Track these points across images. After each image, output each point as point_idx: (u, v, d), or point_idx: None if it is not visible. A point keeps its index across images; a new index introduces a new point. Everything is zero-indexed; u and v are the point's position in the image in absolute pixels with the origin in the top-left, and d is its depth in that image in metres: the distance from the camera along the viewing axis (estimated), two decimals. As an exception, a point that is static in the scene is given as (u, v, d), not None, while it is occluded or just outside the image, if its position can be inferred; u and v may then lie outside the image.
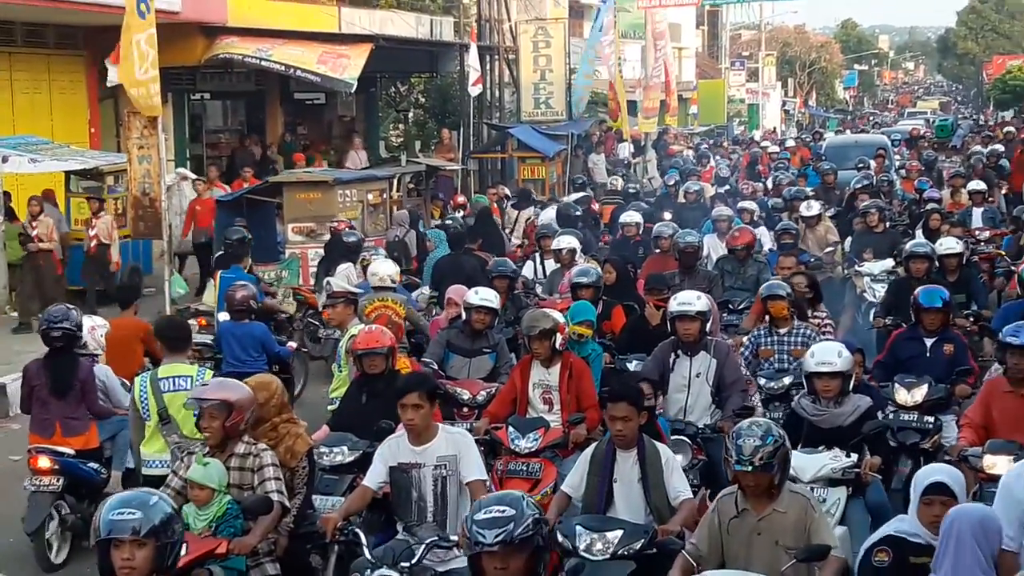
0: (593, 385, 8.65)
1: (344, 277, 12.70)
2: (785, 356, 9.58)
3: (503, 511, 4.42)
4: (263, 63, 21.35)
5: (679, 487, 6.63)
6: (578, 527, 6.36)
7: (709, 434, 8.43)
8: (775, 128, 60.72)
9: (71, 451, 8.88)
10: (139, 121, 15.03)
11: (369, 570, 6.12)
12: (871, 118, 68.84)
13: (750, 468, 5.67)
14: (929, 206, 16.79)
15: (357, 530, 6.48)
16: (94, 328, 9.86)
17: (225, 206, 17.28)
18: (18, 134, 18.13)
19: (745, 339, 10.06)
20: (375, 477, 6.71)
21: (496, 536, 4.35)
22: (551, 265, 13.51)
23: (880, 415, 8.00)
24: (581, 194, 21.46)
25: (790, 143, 37.53)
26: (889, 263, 13.92)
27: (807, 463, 7.23)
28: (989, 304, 12.38)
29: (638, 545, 6.24)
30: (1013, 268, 12.58)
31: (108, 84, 17.16)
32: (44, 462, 8.74)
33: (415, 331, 11.47)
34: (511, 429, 8.22)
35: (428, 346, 10.33)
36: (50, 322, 9.06)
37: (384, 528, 7.09)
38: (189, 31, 20.43)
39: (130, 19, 14.06)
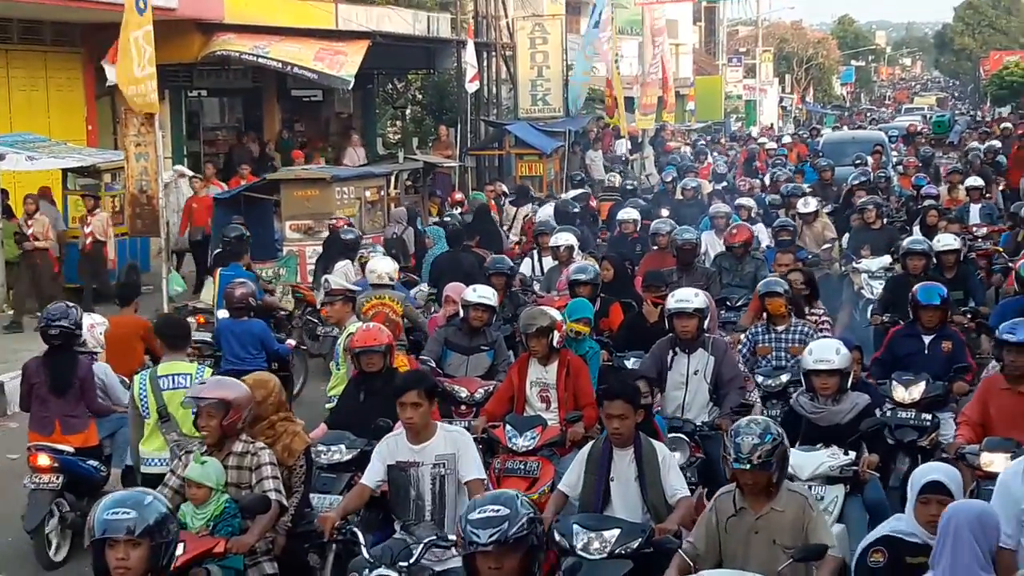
0: (591, 383, 8.64)
1: (342, 274, 12.69)
2: (783, 353, 9.58)
3: (497, 510, 4.41)
4: (260, 60, 21.32)
5: (676, 485, 6.62)
6: (575, 526, 6.36)
7: (707, 432, 8.43)
8: (772, 124, 60.70)
9: (70, 449, 8.89)
10: (136, 118, 14.99)
11: (367, 569, 6.11)
12: (868, 114, 68.93)
13: (748, 466, 5.67)
14: (926, 202, 16.80)
15: (355, 529, 6.47)
16: (93, 326, 9.86)
17: (223, 203, 17.27)
18: (15, 131, 18.10)
19: (743, 336, 10.06)
20: (373, 475, 6.70)
21: (490, 536, 4.34)
22: (549, 262, 13.50)
23: (878, 412, 8.00)
24: (580, 191, 21.45)
25: (786, 139, 37.57)
26: (887, 260, 13.93)
27: (805, 461, 7.23)
28: (987, 301, 12.37)
29: (635, 544, 6.23)
30: (1011, 264, 12.57)
31: (108, 85, 17.13)
32: (44, 460, 8.74)
33: (414, 328, 11.48)
34: (508, 427, 8.21)
35: (426, 344, 10.32)
36: (49, 320, 9.07)
37: (382, 526, 7.08)
38: (186, 28, 20.39)
39: (128, 16, 14.04)
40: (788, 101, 73.27)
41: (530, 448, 8.10)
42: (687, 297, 8.71)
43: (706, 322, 8.74)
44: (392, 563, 6.12)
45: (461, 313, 9.89)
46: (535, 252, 14.33)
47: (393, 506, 6.73)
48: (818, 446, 7.44)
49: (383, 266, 11.47)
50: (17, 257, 16.10)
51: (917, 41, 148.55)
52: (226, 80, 24.84)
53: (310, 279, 15.02)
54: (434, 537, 6.22)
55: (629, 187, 22.30)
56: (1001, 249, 14.85)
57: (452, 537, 6.18)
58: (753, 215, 16.29)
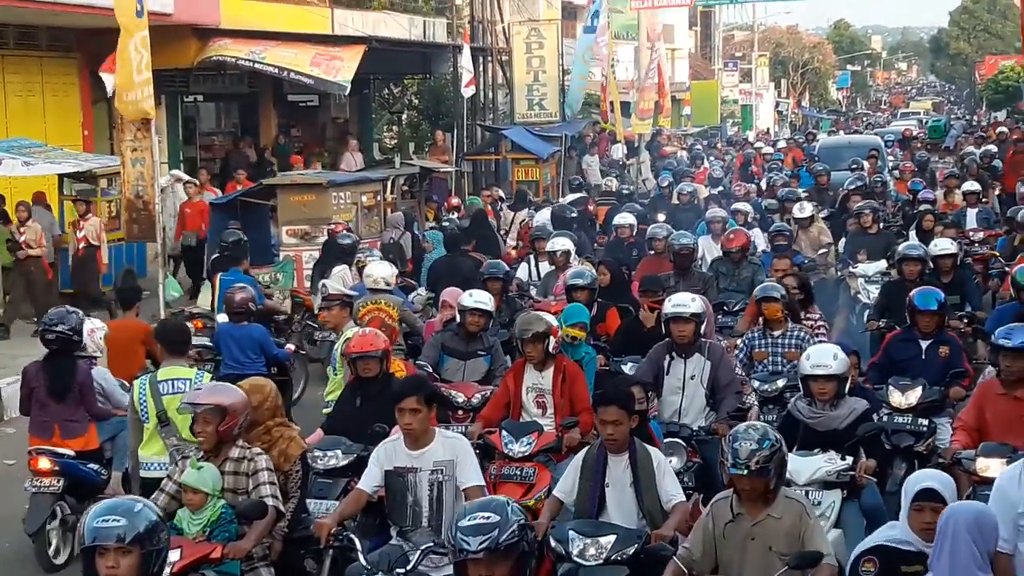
0: (587, 389, 8.62)
1: (339, 279, 12.68)
2: (779, 358, 9.57)
3: (488, 517, 4.38)
4: (256, 65, 21.33)
5: (671, 491, 6.61)
6: (571, 532, 6.35)
7: (704, 436, 8.42)
8: (768, 129, 60.76)
9: (71, 452, 8.92)
10: (132, 124, 14.98)
11: (364, 575, 6.11)
12: (864, 119, 68.96)
13: (746, 472, 5.66)
14: (922, 207, 16.80)
15: (352, 536, 6.46)
16: (93, 331, 9.86)
17: (219, 209, 17.27)
18: (11, 137, 18.09)
19: (739, 341, 10.06)
20: (370, 480, 6.69)
21: (481, 543, 4.31)
22: (545, 267, 13.50)
23: (875, 417, 8.00)
24: (577, 195, 21.44)
25: (781, 144, 37.60)
26: (883, 264, 13.92)
27: (802, 466, 7.23)
28: (983, 305, 12.37)
29: (631, 550, 6.23)
30: (1007, 269, 12.57)
31: (109, 95, 17.11)
32: (44, 463, 8.77)
33: (411, 333, 11.47)
34: (504, 433, 8.18)
35: (423, 349, 10.32)
36: (48, 325, 9.11)
37: (379, 532, 7.06)
38: (182, 33, 20.39)
39: (127, 20, 14.04)
40: (784, 106, 73.36)
41: (526, 454, 8.06)
42: (684, 302, 8.71)
43: (703, 327, 8.74)
44: (389, 569, 6.12)
45: (458, 318, 9.88)
46: (532, 257, 14.33)
47: (390, 512, 6.71)
48: (815, 451, 7.43)
49: (380, 271, 11.46)
50: (11, 263, 16.06)
51: (913, 46, 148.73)
52: (222, 85, 24.84)
53: (307, 284, 15.02)
54: (431, 544, 6.21)
55: (625, 191, 22.30)
56: (998, 253, 14.86)
57: (450, 544, 6.18)
58: (750, 220, 16.30)
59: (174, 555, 5.99)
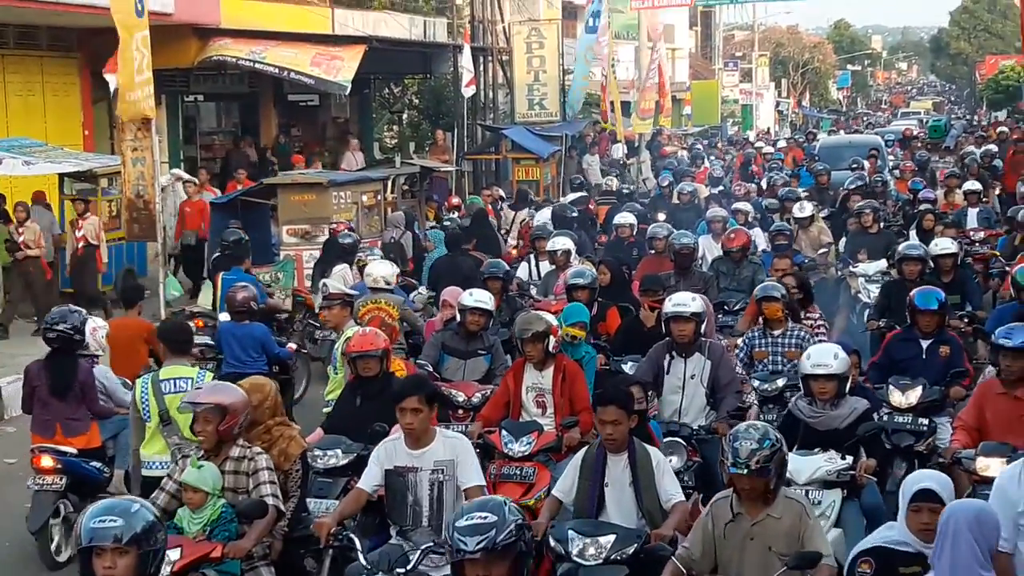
0: (586, 388, 8.62)
1: (340, 278, 12.69)
2: (779, 358, 9.57)
3: (485, 517, 4.37)
4: (257, 65, 21.33)
5: (671, 490, 6.61)
6: (570, 532, 6.35)
7: (704, 436, 8.42)
8: (769, 128, 60.76)
9: (74, 450, 8.94)
10: (133, 123, 14.99)
11: (364, 575, 6.11)
12: (864, 118, 68.92)
13: (746, 471, 5.65)
14: (923, 207, 16.80)
15: (352, 536, 6.45)
16: (95, 329, 9.88)
17: (219, 208, 17.28)
18: (12, 136, 18.10)
19: (740, 341, 10.06)
20: (370, 480, 6.69)
21: (478, 543, 4.31)
22: (546, 266, 13.50)
23: (875, 417, 8.00)
24: (578, 194, 21.45)
25: (782, 143, 37.59)
26: (883, 264, 13.92)
27: (802, 465, 7.23)
28: (984, 305, 12.36)
29: (631, 550, 6.22)
30: (1007, 268, 12.57)
31: (112, 93, 17.10)
32: (47, 461, 8.79)
33: (412, 332, 11.48)
34: (504, 433, 8.17)
35: (423, 348, 10.32)
36: (49, 324, 9.14)
37: (379, 531, 7.05)
38: (182, 33, 20.39)
39: (128, 20, 14.05)
40: (784, 105, 73.36)
41: (526, 454, 8.06)
42: (684, 301, 8.70)
43: (703, 326, 8.74)
44: (389, 569, 6.12)
45: (458, 317, 9.88)
46: (532, 256, 14.33)
47: (390, 511, 6.71)
48: (816, 450, 7.43)
49: (380, 270, 11.46)
50: (10, 263, 16.04)
51: (913, 45, 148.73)
52: (223, 85, 24.85)
53: (307, 283, 15.02)
54: (431, 544, 6.20)
55: (625, 191, 22.30)
56: (998, 253, 14.86)
57: (450, 544, 6.18)
58: (750, 219, 16.30)
59: (174, 554, 5.99)
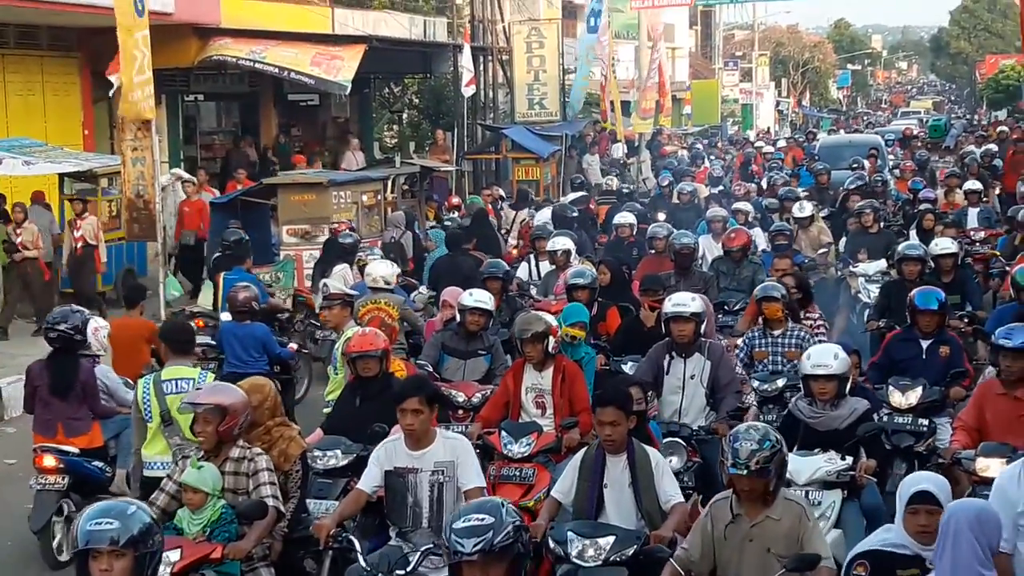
0: (586, 389, 8.60)
1: (340, 278, 12.70)
2: (779, 358, 9.57)
3: (482, 519, 4.34)
4: (257, 65, 21.32)
5: (670, 491, 6.59)
6: (570, 533, 6.34)
7: (704, 436, 8.42)
8: (769, 128, 60.74)
9: (76, 450, 8.95)
10: (133, 123, 15.00)
11: (364, 576, 6.11)
12: (864, 118, 68.86)
13: (745, 472, 5.64)
14: (922, 206, 16.80)
15: (351, 537, 6.45)
16: (97, 329, 9.89)
17: (219, 208, 17.28)
18: (12, 136, 18.10)
19: (740, 341, 10.06)
20: (370, 481, 6.69)
21: (475, 545, 4.28)
22: (546, 266, 13.50)
23: (875, 417, 7.99)
24: (579, 194, 21.45)
25: (782, 143, 37.57)
26: (883, 264, 13.91)
27: (802, 466, 7.22)
28: (984, 305, 12.36)
29: (630, 551, 6.21)
30: (1007, 268, 12.56)
31: (111, 93, 17.12)
32: (49, 461, 8.81)
33: (413, 332, 11.48)
34: (504, 434, 8.16)
35: (423, 348, 10.32)
36: (50, 323, 9.17)
37: (378, 532, 7.04)
38: (182, 33, 20.38)
39: (127, 20, 14.06)
40: (785, 105, 73.34)
41: (526, 455, 8.04)
42: (684, 301, 8.70)
43: (703, 326, 8.74)
44: (389, 571, 6.11)
45: (458, 317, 9.88)
46: (532, 256, 14.33)
47: (390, 512, 6.70)
48: (816, 451, 7.43)
49: (380, 270, 11.45)
50: (7, 263, 16.02)
51: (913, 45, 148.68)
52: (223, 85, 24.84)
53: (307, 283, 15.02)
54: (431, 545, 6.19)
55: (625, 191, 22.30)
56: (998, 253, 14.85)
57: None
58: (750, 219, 16.29)
59: (174, 555, 6.00)
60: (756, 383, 9.28)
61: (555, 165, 27.72)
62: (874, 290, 13.10)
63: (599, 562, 6.21)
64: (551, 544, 6.35)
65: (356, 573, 6.23)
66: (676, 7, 44.53)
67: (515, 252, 17.15)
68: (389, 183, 19.51)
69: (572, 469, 6.78)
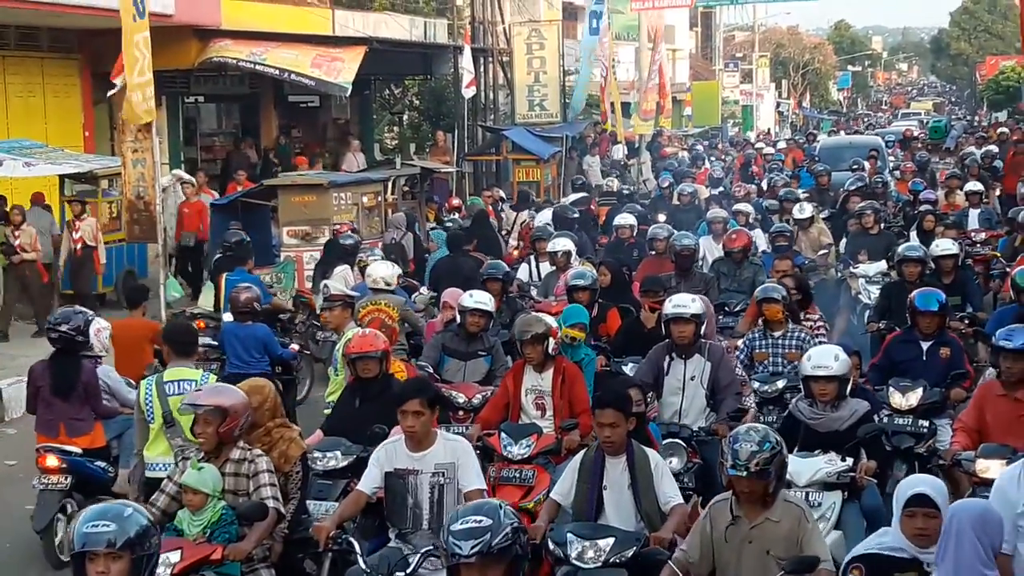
0: (586, 390, 8.59)
1: (341, 279, 12.70)
2: (780, 359, 9.57)
3: (480, 521, 4.33)
4: (257, 67, 21.33)
5: (669, 492, 6.57)
6: (569, 535, 6.33)
7: (704, 437, 8.42)
8: (769, 129, 60.75)
9: (78, 450, 8.96)
10: (133, 125, 15.02)
11: (363, 579, 6.11)
12: (865, 119, 68.96)
13: (745, 473, 5.63)
14: (923, 208, 16.79)
15: (351, 539, 6.44)
16: (99, 330, 9.90)
17: (220, 209, 17.29)
18: (12, 138, 18.11)
19: (740, 342, 10.06)
20: (370, 482, 6.68)
21: (472, 547, 4.27)
22: (546, 267, 13.50)
23: (876, 419, 7.99)
24: (580, 195, 21.45)
25: (782, 144, 37.57)
26: (883, 265, 13.91)
27: (803, 467, 7.22)
28: (984, 306, 12.36)
29: (630, 552, 6.20)
30: (1008, 270, 12.56)
31: (111, 94, 17.11)
32: (52, 461, 8.82)
33: (414, 333, 11.48)
34: (503, 435, 8.14)
35: (424, 349, 10.32)
36: (52, 324, 9.20)
37: (378, 533, 7.03)
38: (183, 34, 20.39)
39: (129, 22, 14.09)
40: (785, 106, 73.34)
41: (525, 456, 8.03)
42: (684, 302, 8.70)
43: (703, 328, 8.73)
44: (389, 573, 6.11)
45: (458, 319, 9.88)
46: (532, 257, 14.33)
47: (390, 514, 6.69)
48: (816, 452, 7.43)
49: (381, 271, 11.45)
50: (6, 265, 16.03)
51: (913, 46, 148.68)
52: (223, 86, 24.85)
53: (308, 285, 15.03)
54: (431, 547, 6.17)
55: (626, 192, 22.30)
56: (999, 254, 14.85)
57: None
58: (751, 220, 16.29)
59: (175, 556, 6.00)
60: (756, 384, 9.29)
61: (555, 166, 27.73)
62: (874, 291, 13.09)
63: (598, 564, 6.20)
64: (551, 546, 6.34)
65: (356, 573, 6.23)
66: (676, 8, 44.50)
67: (516, 253, 17.15)
68: (389, 184, 19.52)
69: (571, 471, 6.77)
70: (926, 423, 8.68)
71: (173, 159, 22.31)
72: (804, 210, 15.83)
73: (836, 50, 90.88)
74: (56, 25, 19.65)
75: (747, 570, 5.72)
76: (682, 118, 52.52)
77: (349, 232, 14.94)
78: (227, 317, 11.71)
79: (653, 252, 13.50)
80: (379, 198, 18.01)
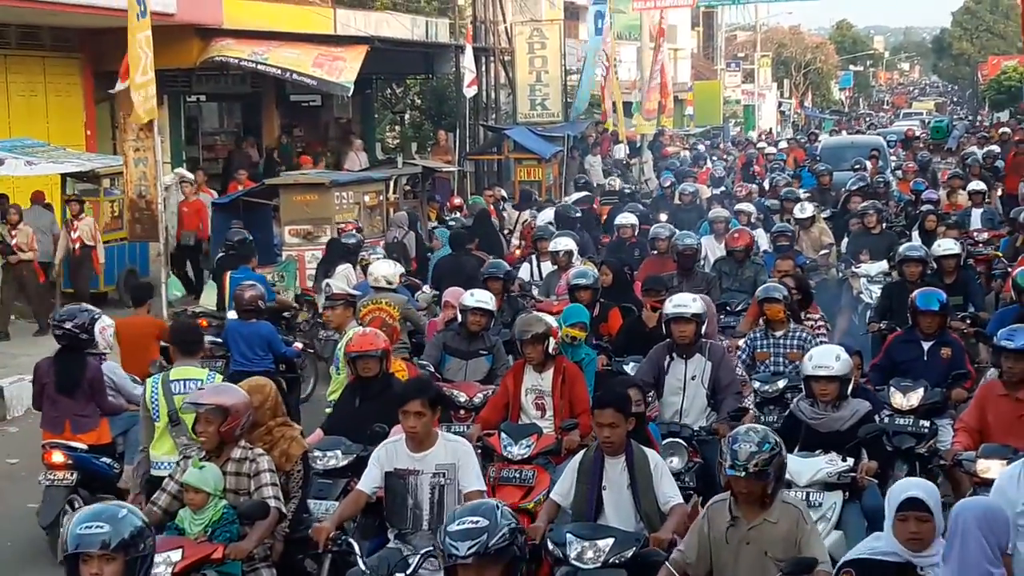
0: (586, 390, 8.59)
1: (343, 278, 12.71)
2: (781, 359, 9.56)
3: (476, 522, 4.33)
4: (259, 67, 21.32)
5: (669, 493, 6.56)
6: (568, 535, 6.32)
7: (704, 436, 8.42)
8: (771, 129, 60.73)
9: (84, 446, 8.97)
10: (135, 123, 15.03)
11: (363, 579, 6.10)
12: (866, 119, 68.89)
13: (743, 474, 5.61)
14: (925, 207, 16.79)
15: (351, 540, 6.44)
16: (104, 329, 9.91)
17: (221, 208, 17.29)
18: (14, 136, 18.12)
19: (741, 342, 10.05)
20: (370, 481, 6.67)
21: (469, 548, 4.27)
22: (548, 267, 13.50)
23: (876, 419, 7.98)
24: (582, 194, 21.45)
25: (783, 144, 37.55)
26: (885, 265, 13.90)
27: (803, 467, 7.22)
28: (986, 306, 12.35)
29: (629, 553, 6.20)
30: (1009, 270, 12.55)
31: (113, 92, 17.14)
32: (58, 457, 8.84)
33: (416, 332, 11.48)
34: (503, 436, 8.13)
35: (425, 348, 10.32)
36: (57, 321, 9.23)
37: (378, 533, 7.03)
38: (184, 33, 20.39)
39: (131, 21, 14.11)
40: (787, 106, 73.30)
41: (525, 456, 8.02)
42: (685, 302, 8.69)
43: (704, 327, 8.73)
44: (389, 573, 6.10)
45: (459, 318, 9.88)
46: (534, 257, 14.33)
47: (389, 514, 6.68)
48: (817, 452, 7.42)
49: (382, 269, 11.46)
50: (3, 264, 16.02)
51: (915, 46, 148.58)
52: (225, 85, 24.85)
53: (309, 284, 15.03)
54: (431, 548, 6.15)
55: (627, 191, 22.30)
56: (1001, 254, 14.84)
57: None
58: (753, 220, 16.29)
59: (176, 555, 6.01)
60: (757, 384, 9.28)
61: (557, 166, 27.73)
62: (876, 291, 13.08)
63: (598, 564, 6.19)
64: (550, 546, 6.34)
65: (356, 574, 6.22)
66: (678, 8, 44.50)
67: (517, 253, 17.16)
68: (391, 184, 19.52)
69: (571, 471, 6.76)
70: (927, 423, 8.68)
71: (175, 158, 22.31)
72: (806, 210, 15.82)
73: (838, 50, 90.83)
74: (58, 24, 19.67)
75: (745, 571, 5.71)
76: (684, 118, 52.51)
77: (352, 231, 14.95)
78: (232, 315, 11.73)
79: (655, 251, 13.49)
80: (381, 197, 18.01)
